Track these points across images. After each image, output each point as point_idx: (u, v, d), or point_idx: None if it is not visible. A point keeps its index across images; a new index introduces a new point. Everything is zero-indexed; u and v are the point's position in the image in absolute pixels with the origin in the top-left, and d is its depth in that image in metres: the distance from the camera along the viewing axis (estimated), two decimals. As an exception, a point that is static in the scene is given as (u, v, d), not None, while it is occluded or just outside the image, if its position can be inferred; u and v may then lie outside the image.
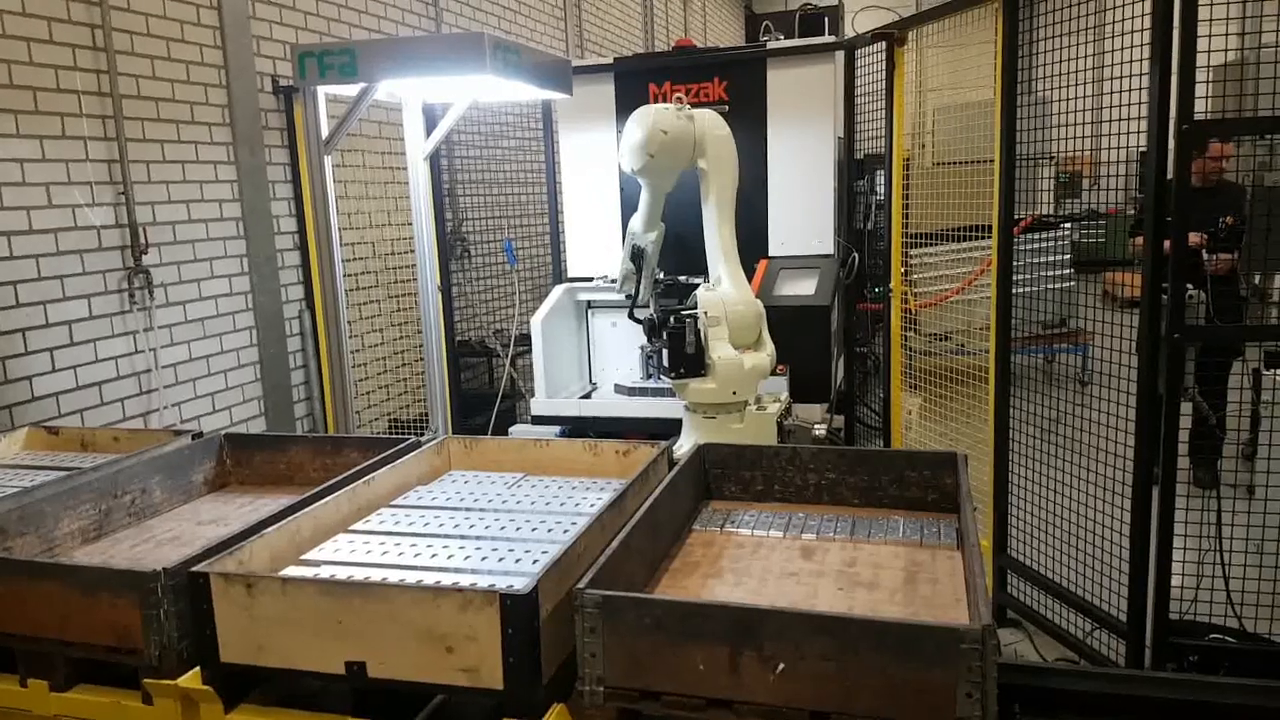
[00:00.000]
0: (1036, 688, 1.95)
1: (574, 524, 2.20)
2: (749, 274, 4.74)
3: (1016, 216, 3.79)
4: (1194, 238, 3.49)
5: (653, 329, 3.58)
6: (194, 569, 1.81)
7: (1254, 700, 1.87)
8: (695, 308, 3.53)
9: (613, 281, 4.44)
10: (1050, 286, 4.37)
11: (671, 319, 3.50)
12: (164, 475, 2.67)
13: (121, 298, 4.56)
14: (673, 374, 3.51)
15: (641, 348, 4.73)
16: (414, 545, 2.14)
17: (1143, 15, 2.99)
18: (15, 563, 2.01)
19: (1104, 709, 1.93)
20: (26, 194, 4.12)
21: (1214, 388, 3.71)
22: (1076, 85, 3.48)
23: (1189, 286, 2.91)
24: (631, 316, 4.26)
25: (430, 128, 3.87)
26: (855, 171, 5.47)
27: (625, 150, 3.67)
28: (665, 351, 3.49)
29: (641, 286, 4.26)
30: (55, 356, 4.26)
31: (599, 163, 5.12)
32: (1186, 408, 3.01)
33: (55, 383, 4.26)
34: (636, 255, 4.17)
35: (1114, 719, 1.92)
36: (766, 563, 2.13)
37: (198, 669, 1.83)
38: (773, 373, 3.73)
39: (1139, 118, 3.04)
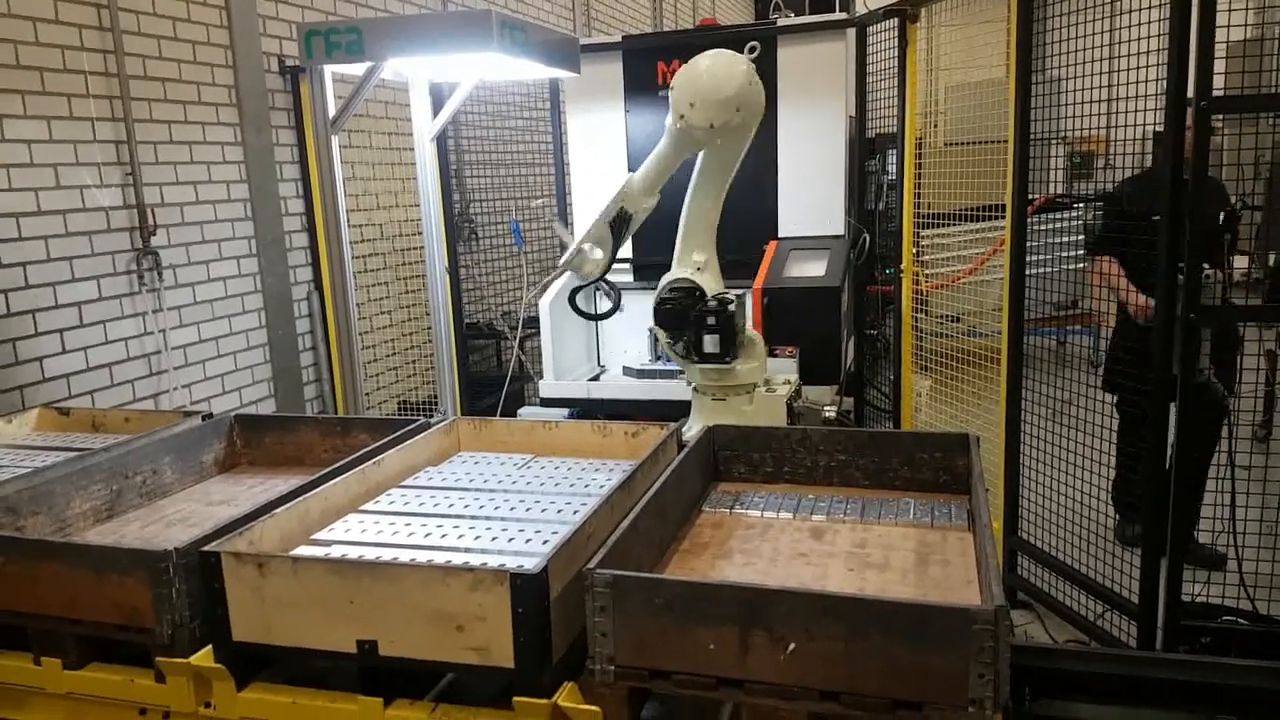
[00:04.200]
0: (1047, 669, 1.95)
1: (583, 505, 2.20)
2: (759, 256, 4.73)
3: (1030, 197, 3.75)
4: None
5: (683, 316, 3.31)
6: (205, 549, 1.81)
7: (1266, 683, 1.87)
8: (690, 291, 3.41)
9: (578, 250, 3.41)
10: (1064, 268, 4.33)
11: (715, 303, 3.34)
12: (174, 456, 2.68)
13: (130, 279, 4.57)
14: (726, 359, 3.36)
15: (666, 341, 3.91)
16: (424, 525, 2.14)
17: (1159, -9, 2.94)
18: (27, 542, 2.01)
19: (1115, 691, 1.93)
20: (34, 175, 4.12)
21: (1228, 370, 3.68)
22: (1090, 63, 3.44)
23: (1205, 267, 2.88)
24: (574, 305, 3.68)
25: (437, 108, 3.85)
26: (866, 151, 5.43)
27: (707, 102, 3.06)
28: (710, 337, 3.32)
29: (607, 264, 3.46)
30: (65, 338, 4.27)
31: (607, 142, 5.09)
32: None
33: (66, 364, 4.28)
34: (620, 221, 3.36)
35: (1125, 701, 1.92)
36: (776, 544, 2.12)
37: (209, 648, 1.84)
38: (771, 354, 3.68)
39: (1156, 94, 3.00)
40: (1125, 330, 3.99)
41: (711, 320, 3.31)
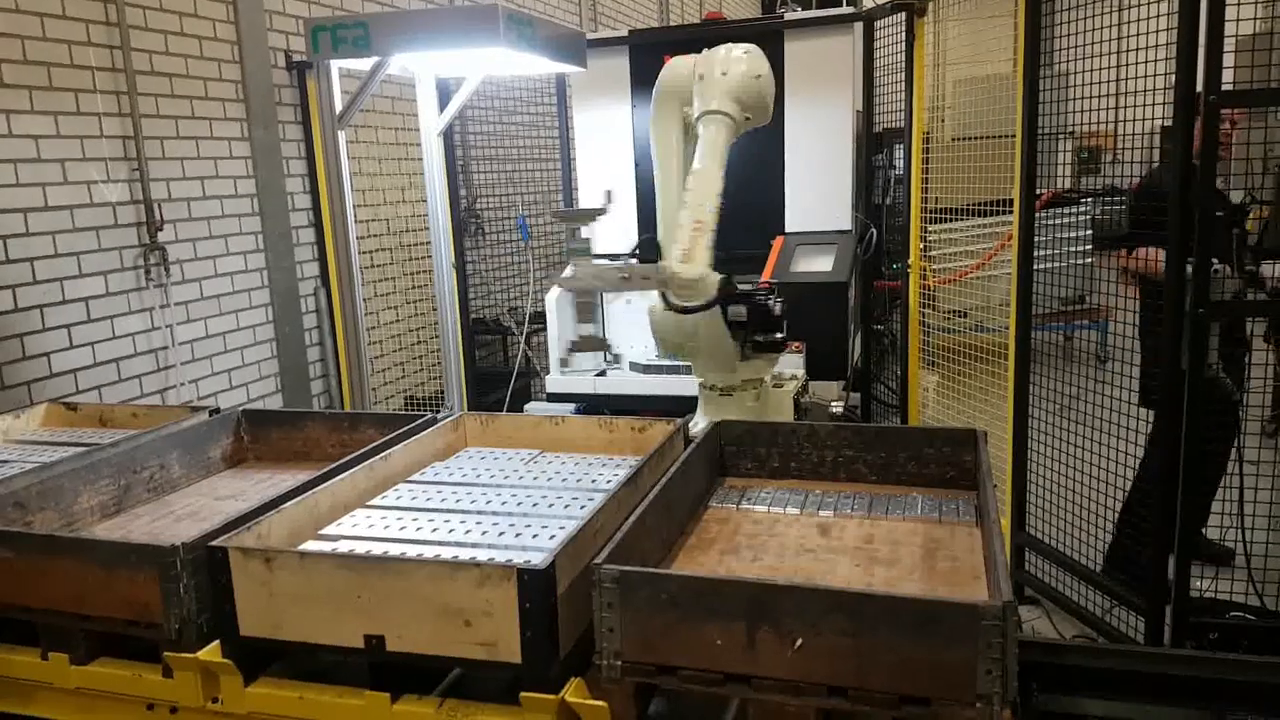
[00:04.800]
0: (1055, 665, 1.94)
1: (590, 500, 2.20)
2: (766, 251, 4.72)
3: (1037, 191, 3.74)
4: None
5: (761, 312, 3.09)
6: (213, 543, 1.82)
7: (1274, 678, 1.86)
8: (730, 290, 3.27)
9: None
10: (1072, 263, 4.31)
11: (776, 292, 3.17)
12: (182, 451, 2.68)
13: (138, 274, 4.58)
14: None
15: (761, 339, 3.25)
16: (431, 520, 2.14)
17: (1168, -16, 2.93)
18: (35, 537, 2.02)
19: (1123, 686, 1.92)
20: (41, 170, 4.12)
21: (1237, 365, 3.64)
22: (1098, 58, 3.42)
23: (1214, 261, 2.87)
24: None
25: (443, 103, 3.84)
26: (873, 146, 5.41)
27: (771, 97, 3.13)
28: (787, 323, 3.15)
29: None
30: (73, 333, 4.28)
31: (614, 138, 5.07)
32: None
33: (73, 359, 4.29)
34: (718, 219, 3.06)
35: (1133, 696, 1.91)
36: (783, 539, 2.12)
37: (217, 643, 1.84)
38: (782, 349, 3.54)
39: (1164, 88, 2.99)
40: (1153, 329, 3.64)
41: (778, 310, 3.14)
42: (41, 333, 4.15)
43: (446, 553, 1.95)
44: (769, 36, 4.77)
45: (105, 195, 4.40)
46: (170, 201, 4.72)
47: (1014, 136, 3.70)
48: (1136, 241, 3.69)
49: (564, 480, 2.40)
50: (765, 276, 4.42)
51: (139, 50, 4.54)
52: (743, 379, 3.26)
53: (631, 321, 5.26)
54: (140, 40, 4.55)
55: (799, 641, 1.52)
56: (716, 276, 2.93)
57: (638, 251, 3.59)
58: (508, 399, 5.82)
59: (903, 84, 4.51)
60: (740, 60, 3.07)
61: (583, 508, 2.16)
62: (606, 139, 5.10)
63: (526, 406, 5.49)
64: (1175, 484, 3.02)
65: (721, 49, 3.14)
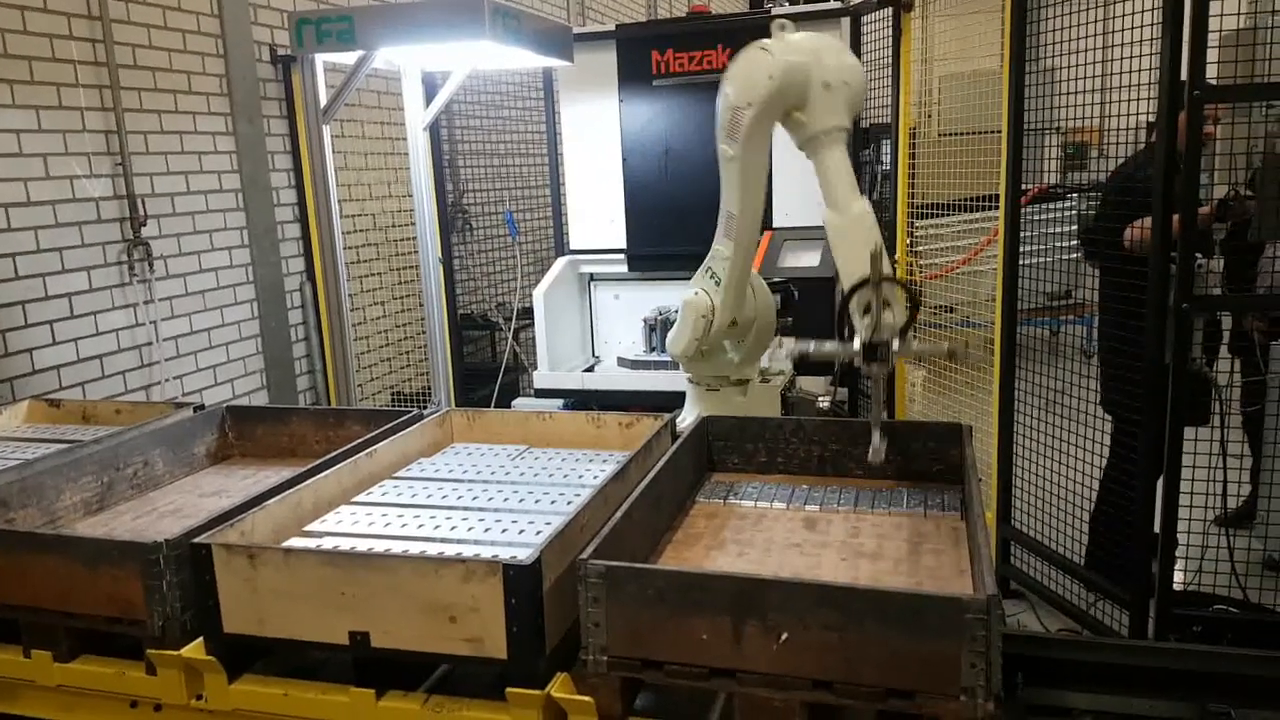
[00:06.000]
0: (1040, 658, 1.95)
1: (577, 496, 2.19)
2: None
3: (1024, 187, 3.75)
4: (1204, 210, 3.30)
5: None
6: (196, 540, 1.80)
7: (1256, 670, 1.88)
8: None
9: None
10: (1058, 258, 4.33)
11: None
12: (166, 448, 2.67)
13: (121, 270, 4.54)
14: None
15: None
16: (417, 517, 2.13)
17: (1153, -20, 2.94)
18: (18, 535, 2.00)
19: (1107, 679, 1.94)
20: (24, 165, 4.09)
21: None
22: (1084, 53, 3.43)
23: (1198, 255, 2.88)
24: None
25: (430, 97, 3.83)
26: (860, 141, 5.41)
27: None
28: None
29: None
30: (55, 329, 4.25)
31: (601, 132, 5.06)
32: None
33: (56, 355, 4.25)
34: None
35: (1117, 689, 1.93)
36: (769, 534, 2.12)
37: (201, 640, 1.83)
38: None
39: (1149, 84, 3.00)
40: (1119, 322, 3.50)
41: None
42: (24, 329, 4.11)
43: (432, 549, 1.94)
44: (755, 31, 4.76)
45: (88, 190, 4.36)
46: (154, 196, 4.68)
47: (1000, 132, 3.71)
48: (1102, 231, 3.69)
49: (551, 476, 2.40)
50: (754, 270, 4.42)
51: (121, 44, 4.50)
52: (739, 375, 3.32)
53: (618, 316, 5.27)
54: (123, 34, 4.51)
55: (784, 635, 1.52)
56: None
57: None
58: (495, 394, 5.81)
59: (889, 79, 4.51)
60: (857, 69, 2.63)
61: (569, 503, 2.15)
62: (594, 133, 5.09)
63: (514, 402, 5.49)
64: (1153, 479, 3.04)
65: (827, 49, 2.63)
